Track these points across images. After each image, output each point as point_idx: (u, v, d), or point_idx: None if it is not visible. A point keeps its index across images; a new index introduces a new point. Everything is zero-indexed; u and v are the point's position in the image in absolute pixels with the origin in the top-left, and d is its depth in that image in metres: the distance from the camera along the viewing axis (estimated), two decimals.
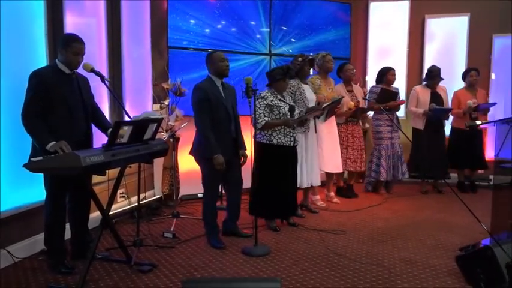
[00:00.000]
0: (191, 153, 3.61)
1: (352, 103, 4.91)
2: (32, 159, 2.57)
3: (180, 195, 4.85)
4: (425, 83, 5.37)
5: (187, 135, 4.67)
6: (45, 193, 2.94)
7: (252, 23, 5.34)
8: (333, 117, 4.75)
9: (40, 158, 2.51)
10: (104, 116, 3.29)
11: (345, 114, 4.95)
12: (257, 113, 3.69)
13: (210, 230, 3.60)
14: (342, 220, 4.28)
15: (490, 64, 5.73)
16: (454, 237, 3.74)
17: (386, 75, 5.21)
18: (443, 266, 3.13)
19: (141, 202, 3.62)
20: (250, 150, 3.69)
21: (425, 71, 6.09)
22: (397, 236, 3.80)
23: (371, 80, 5.65)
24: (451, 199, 4.82)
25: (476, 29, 5.91)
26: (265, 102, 3.73)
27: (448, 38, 6.07)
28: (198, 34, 4.98)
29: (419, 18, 6.11)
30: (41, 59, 3.25)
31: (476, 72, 5.37)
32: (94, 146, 3.05)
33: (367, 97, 5.22)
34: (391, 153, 5.25)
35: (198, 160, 3.57)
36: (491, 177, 5.49)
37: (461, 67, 5.92)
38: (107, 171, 2.77)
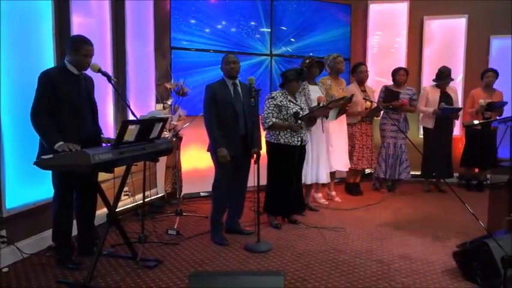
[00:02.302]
0: (208, 150, 3.70)
1: (369, 103, 4.99)
2: (42, 156, 2.63)
3: (182, 194, 4.92)
4: (435, 83, 5.42)
5: (190, 134, 4.75)
6: (53, 190, 3.01)
7: (253, 23, 5.41)
8: (343, 117, 4.82)
9: (50, 155, 2.57)
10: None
11: (361, 113, 5.04)
12: (266, 112, 3.79)
13: (216, 227, 3.68)
14: (342, 218, 4.36)
15: (488, 65, 5.78)
16: (452, 235, 3.81)
17: (396, 75, 5.31)
18: (440, 262, 3.22)
19: (145, 200, 3.69)
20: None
21: (423, 71, 6.17)
22: (396, 233, 3.88)
23: (370, 80, 5.71)
24: (451, 197, 4.88)
25: (474, 30, 5.99)
26: (274, 103, 3.81)
27: (446, 39, 6.15)
28: (200, 35, 5.04)
29: (418, 19, 6.18)
30: (49, 59, 3.31)
31: (494, 73, 5.42)
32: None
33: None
34: (392, 152, 5.33)
35: (212, 157, 3.66)
36: (488, 176, 5.57)
37: (459, 68, 6.00)
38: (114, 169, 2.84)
